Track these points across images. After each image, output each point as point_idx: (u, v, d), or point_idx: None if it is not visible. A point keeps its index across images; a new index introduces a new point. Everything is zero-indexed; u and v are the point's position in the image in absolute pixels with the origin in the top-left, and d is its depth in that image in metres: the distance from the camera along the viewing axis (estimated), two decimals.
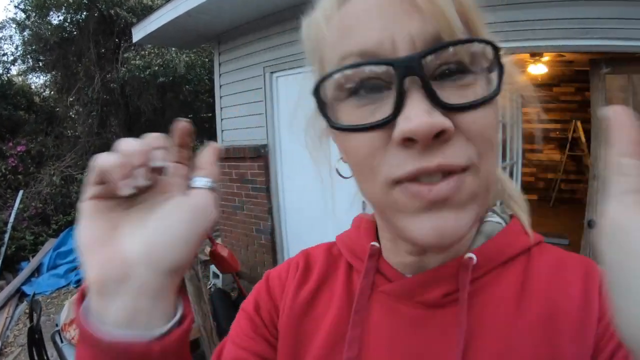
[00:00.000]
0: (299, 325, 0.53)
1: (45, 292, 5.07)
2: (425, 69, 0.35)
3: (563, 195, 7.17)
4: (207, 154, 0.38)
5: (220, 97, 4.86)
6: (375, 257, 0.51)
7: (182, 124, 0.36)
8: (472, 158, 0.37)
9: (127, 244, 0.33)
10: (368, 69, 0.37)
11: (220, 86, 4.84)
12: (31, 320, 2.38)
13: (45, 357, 2.44)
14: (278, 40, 4.05)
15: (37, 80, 9.23)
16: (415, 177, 0.36)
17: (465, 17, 0.37)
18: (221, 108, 4.87)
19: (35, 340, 2.36)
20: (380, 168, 0.38)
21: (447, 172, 0.36)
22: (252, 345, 0.53)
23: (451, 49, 0.36)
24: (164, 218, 0.34)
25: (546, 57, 5.82)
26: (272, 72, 4.24)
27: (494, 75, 0.38)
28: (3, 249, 5.81)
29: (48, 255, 5.73)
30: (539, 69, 6.12)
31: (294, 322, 0.53)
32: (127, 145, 0.32)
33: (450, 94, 0.36)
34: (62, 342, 2.44)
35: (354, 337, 0.48)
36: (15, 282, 5.21)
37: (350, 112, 0.39)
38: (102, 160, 0.32)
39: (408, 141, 0.35)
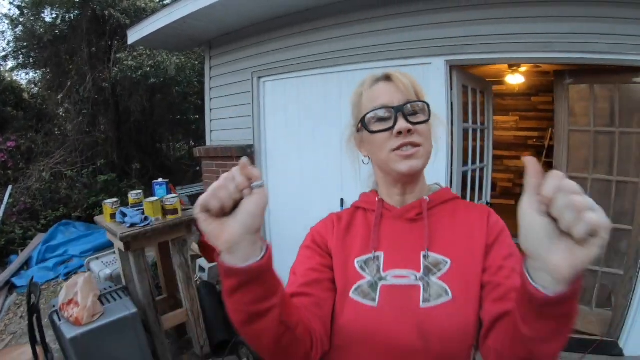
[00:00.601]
0: (343, 241, 1.01)
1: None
2: (404, 110, 0.92)
3: None
4: (252, 170, 0.66)
5: (210, 99, 5.02)
6: (381, 202, 1.03)
7: (243, 161, 0.66)
8: (421, 141, 0.92)
9: (233, 229, 0.64)
10: (385, 109, 0.93)
11: (210, 89, 5.01)
12: (29, 302, 2.51)
13: (43, 336, 2.60)
14: (266, 48, 4.26)
15: (26, 77, 9.17)
16: (400, 148, 0.91)
17: (417, 92, 0.96)
18: (210, 110, 5.04)
19: (33, 319, 2.51)
20: (387, 146, 0.93)
21: (413, 145, 0.91)
22: (313, 259, 0.99)
23: (410, 104, 0.93)
24: (245, 209, 0.65)
25: (523, 68, 6.08)
26: (259, 77, 4.44)
27: (427, 113, 0.95)
28: None
29: (37, 249, 5.82)
30: (516, 78, 6.38)
31: (340, 241, 1.01)
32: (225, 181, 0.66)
33: (413, 119, 0.92)
34: (60, 320, 2.60)
35: (375, 237, 0.98)
36: (5, 275, 5.30)
37: (376, 127, 0.94)
38: (205, 199, 0.65)
39: (399, 134, 0.91)
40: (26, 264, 5.68)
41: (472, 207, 1.03)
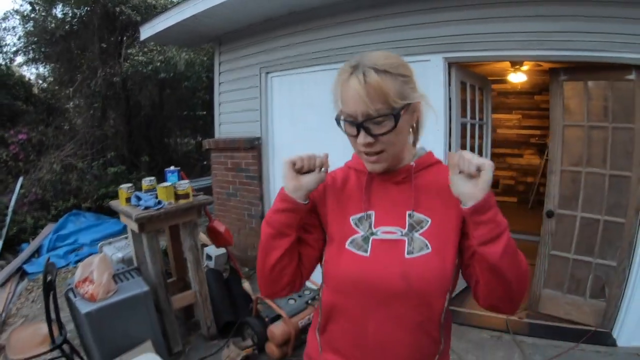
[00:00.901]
0: (339, 199, 1.17)
1: None
2: (365, 124, 0.98)
3: (541, 197, 7.33)
4: (327, 160, 1.09)
5: (219, 94, 5.19)
6: None
7: (325, 154, 1.10)
8: (384, 148, 1.03)
9: (301, 181, 1.06)
10: (350, 122, 1.01)
11: (220, 83, 5.17)
12: (45, 281, 2.62)
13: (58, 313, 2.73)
14: (273, 44, 4.41)
15: (36, 71, 9.22)
16: (365, 153, 1.05)
17: (385, 98, 0.96)
18: (219, 103, 5.20)
19: (49, 296, 2.63)
20: (356, 146, 1.07)
21: (376, 152, 1.04)
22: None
23: (373, 118, 0.98)
24: (312, 176, 1.07)
25: (526, 67, 6.11)
26: (267, 73, 4.60)
27: (394, 121, 0.99)
28: (4, 230, 6.04)
29: (48, 238, 5.95)
30: (518, 77, 6.39)
31: (336, 199, 1.17)
32: (306, 159, 1.06)
33: (376, 129, 0.99)
34: (75, 297, 2.74)
35: (366, 199, 1.13)
36: (17, 261, 5.43)
37: (346, 129, 1.05)
38: (294, 159, 1.05)
39: (361, 144, 1.03)
40: (37, 252, 5.82)
41: None
